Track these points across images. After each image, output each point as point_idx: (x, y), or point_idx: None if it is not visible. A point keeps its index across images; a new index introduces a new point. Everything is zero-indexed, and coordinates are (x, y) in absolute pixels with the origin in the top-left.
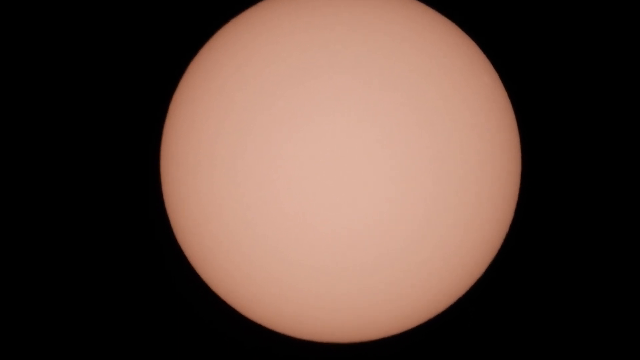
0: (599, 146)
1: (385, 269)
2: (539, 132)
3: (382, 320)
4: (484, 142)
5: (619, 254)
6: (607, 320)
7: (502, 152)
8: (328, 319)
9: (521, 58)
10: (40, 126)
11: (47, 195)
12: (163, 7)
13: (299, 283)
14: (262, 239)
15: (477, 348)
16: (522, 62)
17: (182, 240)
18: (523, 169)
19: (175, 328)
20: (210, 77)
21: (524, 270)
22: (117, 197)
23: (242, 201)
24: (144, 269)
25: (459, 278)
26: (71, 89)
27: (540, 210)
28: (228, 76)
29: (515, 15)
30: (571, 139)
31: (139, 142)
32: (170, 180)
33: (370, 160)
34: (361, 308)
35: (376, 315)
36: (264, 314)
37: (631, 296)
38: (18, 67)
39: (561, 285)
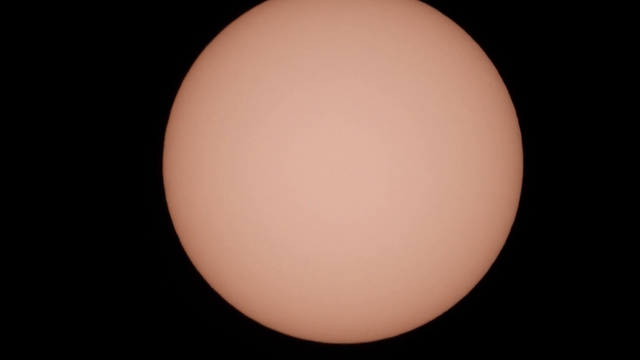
0: (601, 147)
1: (387, 269)
2: (541, 133)
3: (384, 320)
4: (486, 142)
5: (622, 255)
6: (608, 321)
7: (504, 153)
8: (329, 318)
9: (524, 59)
10: (43, 127)
11: (49, 196)
12: (166, 7)
13: (301, 282)
14: (264, 238)
15: (479, 349)
16: (525, 64)
17: (184, 239)
18: (525, 170)
19: (176, 327)
20: (213, 77)
21: (526, 271)
22: (120, 197)
23: (244, 200)
24: (146, 268)
25: (461, 279)
26: (73, 89)
27: (542, 210)
28: (231, 76)
29: (519, 16)
30: (574, 139)
31: (141, 142)
32: (172, 179)
33: (373, 159)
34: (362, 308)
35: (378, 314)
36: (265, 313)
37: (633, 297)
38: (20, 68)
39: (564, 286)
